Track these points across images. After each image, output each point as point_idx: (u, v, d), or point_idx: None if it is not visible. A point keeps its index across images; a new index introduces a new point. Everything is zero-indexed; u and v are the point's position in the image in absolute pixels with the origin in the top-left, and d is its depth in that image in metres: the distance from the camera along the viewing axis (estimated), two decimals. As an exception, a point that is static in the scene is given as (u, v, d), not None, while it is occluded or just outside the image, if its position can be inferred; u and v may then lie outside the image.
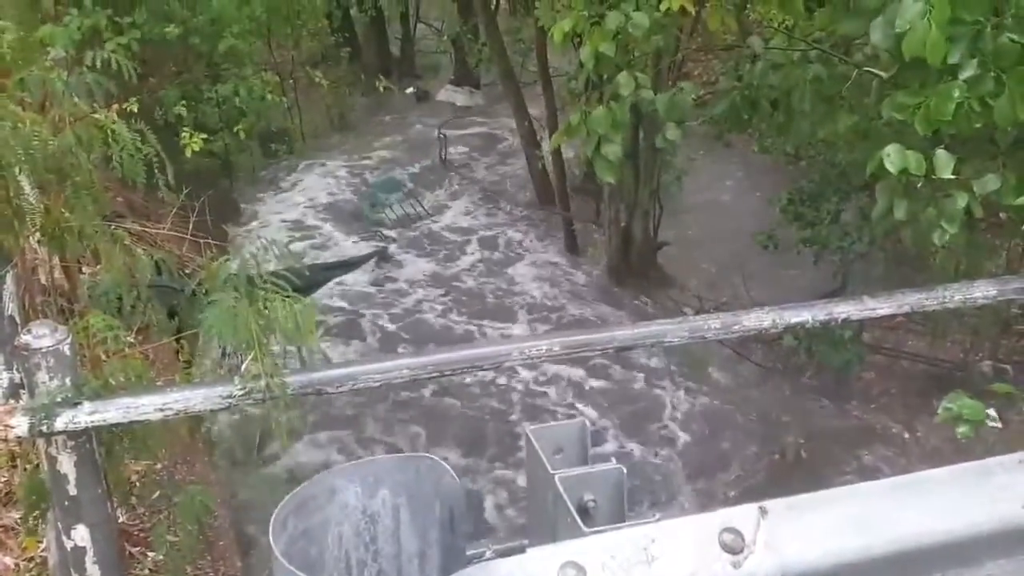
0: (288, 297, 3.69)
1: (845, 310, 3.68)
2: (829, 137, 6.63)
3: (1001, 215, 8.54)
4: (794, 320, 3.68)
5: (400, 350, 11.44)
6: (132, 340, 4.32)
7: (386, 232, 14.34)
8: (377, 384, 3.35)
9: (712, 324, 3.55)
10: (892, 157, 4.31)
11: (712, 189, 14.57)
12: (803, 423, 9.71)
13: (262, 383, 3.16)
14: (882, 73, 4.84)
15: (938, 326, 9.79)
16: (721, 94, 6.46)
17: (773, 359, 10.60)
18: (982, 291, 3.84)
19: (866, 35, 4.78)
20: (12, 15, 3.55)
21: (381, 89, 17.99)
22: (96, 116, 3.87)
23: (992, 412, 3.43)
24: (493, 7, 16.91)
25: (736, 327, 3.60)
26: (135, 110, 7.01)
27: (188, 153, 11.95)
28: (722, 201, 14.30)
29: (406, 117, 19.22)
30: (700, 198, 14.17)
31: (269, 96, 14.76)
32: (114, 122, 3.78)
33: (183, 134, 12.26)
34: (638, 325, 3.67)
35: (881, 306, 3.81)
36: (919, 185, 4.49)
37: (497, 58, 14.40)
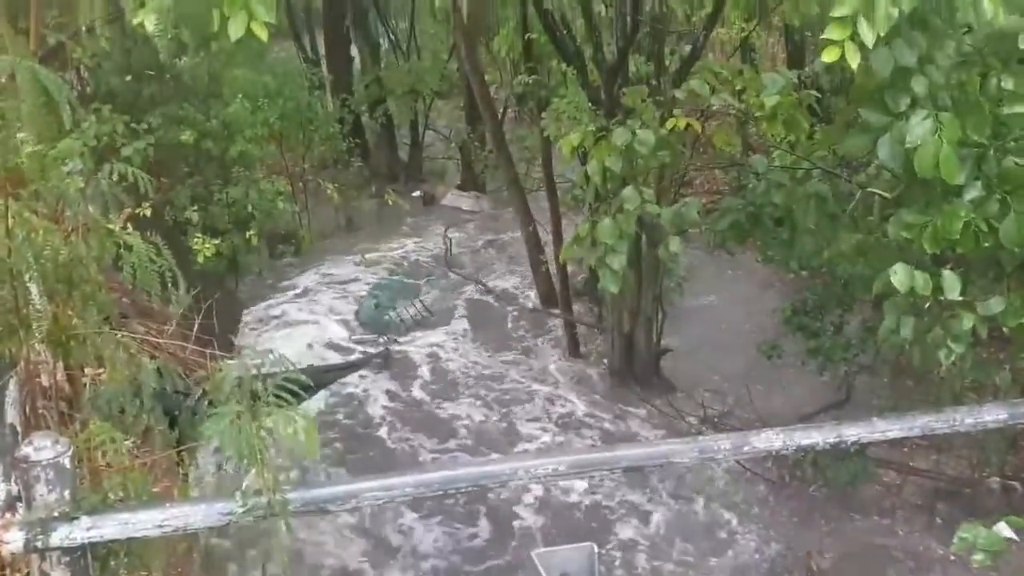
0: (291, 410, 3.64)
1: (855, 432, 3.65)
2: (832, 253, 6.67)
3: (1006, 329, 8.51)
4: (804, 442, 3.65)
5: (405, 446, 11.35)
6: (132, 447, 4.26)
7: (389, 334, 14.32)
8: (380, 502, 3.29)
9: (722, 445, 3.52)
10: (899, 276, 4.34)
11: (715, 296, 14.61)
12: (808, 539, 9.48)
13: (263, 500, 3.11)
14: (886, 194, 4.90)
15: (944, 441, 9.66)
16: (725, 210, 6.54)
17: (778, 471, 10.42)
18: (992, 415, 3.82)
19: (869, 153, 4.86)
20: (30, 126, 3.61)
21: (390, 202, 18.31)
22: (109, 226, 3.90)
23: (1010, 532, 3.35)
24: (500, 116, 17.30)
25: (746, 448, 3.57)
26: (148, 215, 7.12)
27: (200, 259, 12.07)
28: (725, 309, 14.31)
29: (413, 220, 19.46)
30: (703, 305, 14.20)
31: (280, 200, 15.00)
32: (128, 233, 3.81)
33: (194, 238, 12.40)
34: (646, 445, 3.64)
35: (891, 428, 3.79)
36: (926, 305, 4.50)
37: (503, 165, 14.65)
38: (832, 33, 3.63)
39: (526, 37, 13.37)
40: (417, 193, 20.90)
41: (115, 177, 3.98)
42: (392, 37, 23.24)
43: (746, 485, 10.36)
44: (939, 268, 4.50)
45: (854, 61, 3.63)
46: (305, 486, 3.21)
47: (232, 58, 15.83)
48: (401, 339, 14.20)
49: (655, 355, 12.64)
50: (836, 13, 3.60)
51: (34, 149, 3.76)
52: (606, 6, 11.15)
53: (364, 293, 15.76)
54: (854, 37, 3.61)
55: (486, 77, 16.19)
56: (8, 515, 3.14)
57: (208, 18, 3.57)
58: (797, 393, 11.83)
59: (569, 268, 13.66)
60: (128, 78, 13.42)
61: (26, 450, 3.04)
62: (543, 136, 12.47)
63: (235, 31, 3.45)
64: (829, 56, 3.64)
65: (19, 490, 3.19)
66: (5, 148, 3.75)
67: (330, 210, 18.42)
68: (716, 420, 11.32)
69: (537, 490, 10.13)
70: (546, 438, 11.55)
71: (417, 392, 12.74)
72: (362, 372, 12.91)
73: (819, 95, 6.70)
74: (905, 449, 10.33)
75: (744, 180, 7.60)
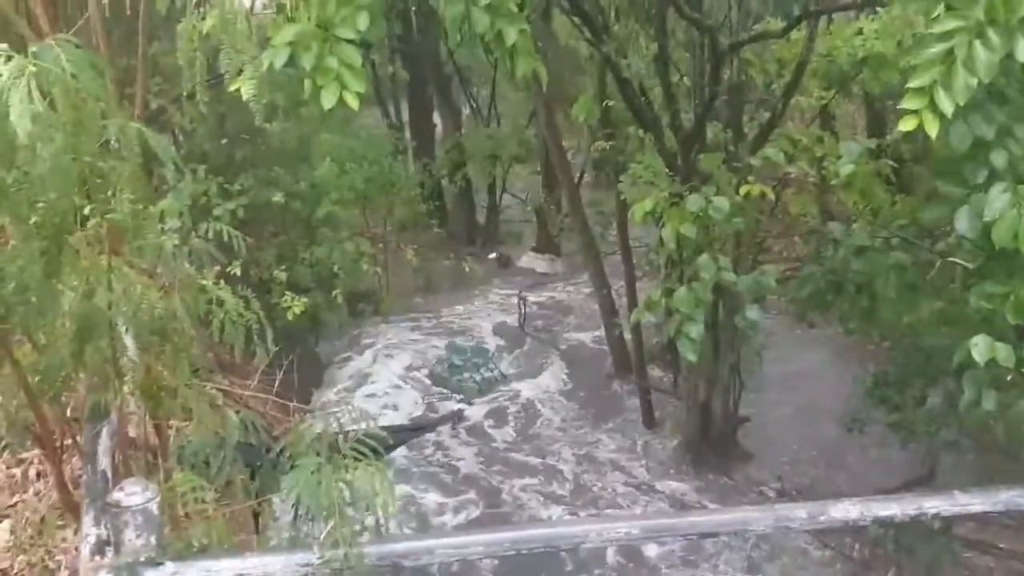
0: (369, 464, 3.71)
1: (935, 504, 3.56)
2: (913, 322, 6.55)
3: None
4: (882, 513, 3.58)
5: (475, 512, 11.33)
6: (214, 497, 4.37)
7: (461, 396, 14.40)
8: (453, 559, 3.33)
9: (798, 514, 3.47)
10: (980, 347, 4.25)
11: (794, 366, 14.35)
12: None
13: (340, 552, 3.17)
14: (967, 264, 4.83)
15: (1034, 521, 9.23)
16: (804, 278, 6.50)
17: (856, 547, 10.09)
18: (1083, 493, 3.69)
19: (950, 223, 4.80)
20: (131, 186, 3.81)
21: (467, 267, 18.56)
22: (203, 282, 4.08)
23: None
24: (577, 180, 17.48)
25: (823, 517, 3.51)
26: (237, 272, 7.37)
27: (289, 316, 12.35)
28: (805, 378, 14.05)
29: (488, 282, 19.68)
30: (782, 375, 13.95)
31: (362, 261, 15.36)
32: (220, 288, 3.97)
33: (283, 296, 12.71)
34: (721, 511, 3.61)
35: (973, 502, 3.68)
36: (1008, 377, 4.39)
37: (579, 228, 14.75)
38: (910, 103, 3.63)
39: (604, 104, 13.51)
40: (493, 255, 21.17)
41: (209, 235, 4.17)
42: (473, 104, 23.81)
43: (821, 564, 10.06)
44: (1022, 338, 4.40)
45: (933, 130, 3.61)
46: (380, 540, 3.27)
47: (321, 123, 16.37)
48: (473, 402, 14.27)
49: (732, 425, 12.44)
50: (914, 84, 3.61)
51: (135, 208, 3.94)
52: (681, 75, 11.25)
53: (439, 354, 15.93)
54: (933, 107, 3.60)
55: (564, 143, 16.43)
56: (98, 558, 3.26)
57: (301, 86, 3.76)
58: (879, 468, 11.49)
59: (644, 333, 13.61)
60: (223, 141, 13.98)
61: (117, 495, 3.17)
62: (619, 200, 12.56)
63: (327, 101, 3.61)
64: (906, 125, 3.63)
65: (108, 534, 3.32)
66: (108, 206, 3.93)
67: (409, 271, 18.75)
68: (795, 493, 11.05)
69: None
70: (616, 508, 11.42)
71: (486, 457, 12.74)
72: (432, 433, 12.99)
73: (898, 164, 6.66)
74: (994, 529, 9.90)
75: (823, 249, 7.53)
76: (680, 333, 5.76)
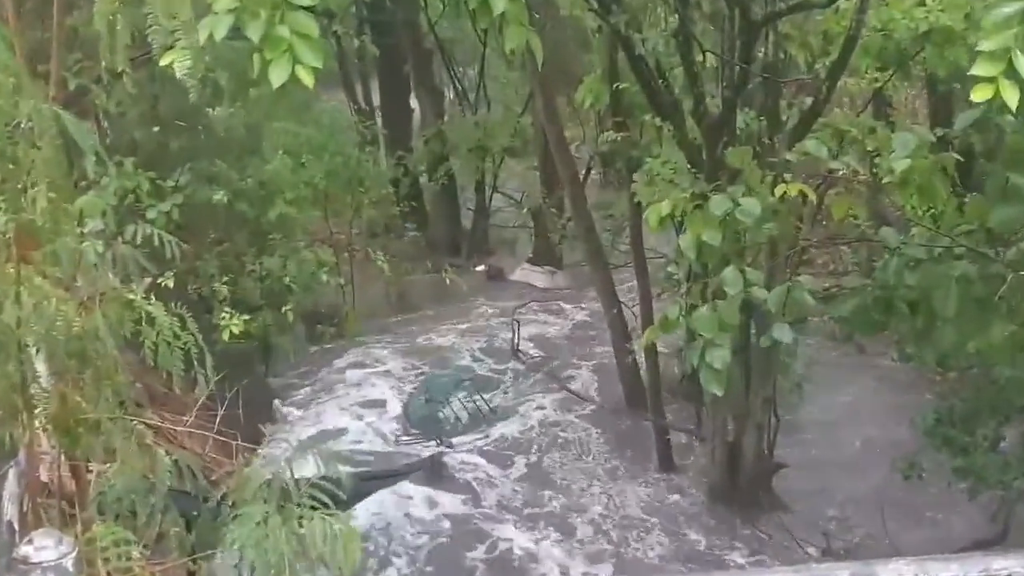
0: (328, 514, 3.74)
1: (1006, 566, 3.58)
2: (982, 348, 6.58)
3: None
4: (942, 575, 3.59)
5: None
6: (142, 554, 4.38)
7: (442, 436, 14.39)
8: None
9: (841, 575, 3.49)
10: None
11: (841, 400, 14.40)
12: None
13: (290, 619, 3.19)
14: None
15: None
16: (850, 292, 6.54)
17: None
18: None
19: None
20: (46, 178, 3.82)
21: (448, 279, 18.65)
22: (131, 296, 4.09)
23: None
24: (582, 178, 17.55)
25: (869, 580, 3.53)
26: (170, 285, 7.38)
27: (225, 336, 12.38)
28: (853, 414, 14.09)
29: (475, 299, 19.74)
30: (825, 410, 13.99)
31: (322, 273, 15.39)
32: (151, 304, 3.99)
33: (221, 314, 12.73)
34: (750, 571, 3.63)
35: (1052, 563, 3.70)
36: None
37: (584, 235, 14.83)
38: (982, 68, 3.54)
39: (614, 87, 13.59)
40: (482, 267, 21.27)
41: (138, 240, 4.19)
42: (458, 86, 23.94)
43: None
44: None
45: (1012, 99, 3.50)
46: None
47: (273, 108, 16.42)
48: (456, 443, 14.26)
49: (766, 470, 12.45)
50: (987, 46, 3.53)
51: (50, 206, 3.94)
52: (706, 52, 11.32)
53: (415, 386, 15.93)
54: (1012, 72, 3.50)
55: (566, 133, 16.53)
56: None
57: (247, 62, 3.77)
58: (941, 523, 11.53)
59: (662, 361, 13.65)
60: (155, 129, 14.01)
61: (26, 550, 3.18)
62: (632, 202, 12.62)
63: (277, 77, 3.63)
64: (980, 95, 3.52)
65: (14, 596, 3.32)
66: (16, 202, 3.92)
67: (380, 285, 18.79)
68: (841, 552, 11.07)
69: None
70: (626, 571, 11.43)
71: (470, 509, 12.73)
72: (406, 481, 12.97)
73: (965, 159, 6.68)
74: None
75: (876, 259, 7.59)
76: (702, 360, 5.79)
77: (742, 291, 5.81)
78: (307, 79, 3.64)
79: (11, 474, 4.08)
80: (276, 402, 14.94)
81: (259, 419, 14.00)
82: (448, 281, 18.93)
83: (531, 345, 17.45)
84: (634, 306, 14.43)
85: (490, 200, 22.81)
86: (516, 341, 17.27)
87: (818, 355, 13.61)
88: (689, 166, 10.94)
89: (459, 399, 15.34)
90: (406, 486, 12.69)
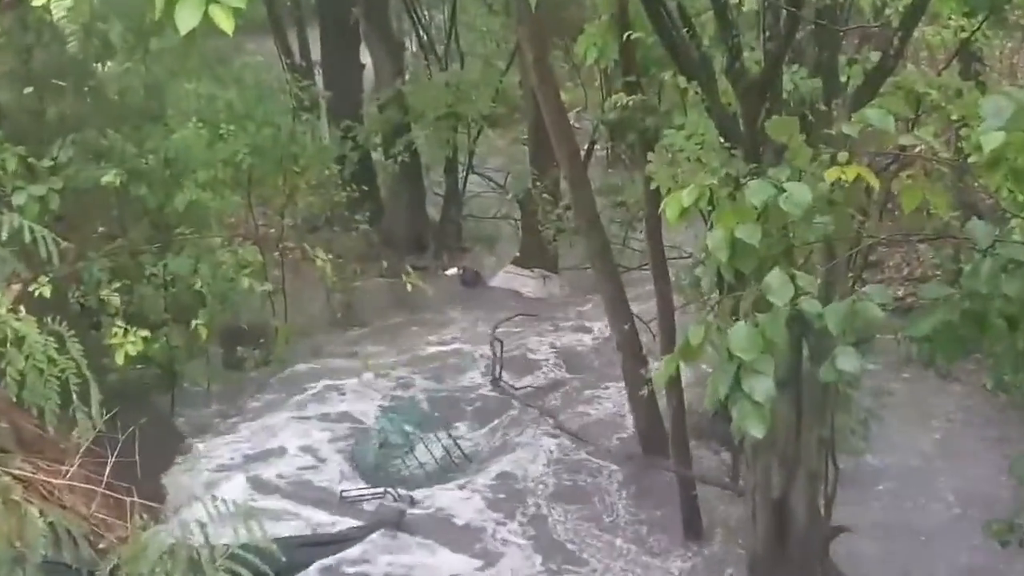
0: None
1: None
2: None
3: None
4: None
5: None
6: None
7: (401, 489, 14.38)
8: None
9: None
10: None
11: (919, 442, 14.45)
12: None
13: None
14: None
15: None
16: (930, 304, 6.54)
17: None
18: None
19: None
20: None
21: (410, 284, 18.60)
22: (-8, 309, 4.08)
23: None
24: (584, 155, 17.58)
25: None
26: (46, 294, 7.33)
27: (119, 359, 12.32)
28: (934, 462, 14.14)
29: (444, 312, 19.81)
30: (900, 455, 14.04)
31: (244, 277, 15.32)
32: (19, 319, 3.98)
33: (113, 331, 12.67)
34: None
35: None
36: None
37: (586, 229, 14.83)
38: None
39: (625, 37, 13.59)
40: (454, 270, 21.37)
41: (3, 235, 4.17)
42: (423, 36, 23.92)
43: None
44: None
45: None
46: None
47: (180, 64, 16.38)
48: (419, 498, 14.26)
49: (822, 536, 12.47)
50: None
51: None
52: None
53: (366, 424, 15.92)
54: None
55: (563, 96, 16.53)
56: None
57: (146, 4, 3.73)
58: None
59: (687, 392, 13.66)
60: (27, 90, 13.94)
61: None
62: (648, 187, 12.64)
63: (186, 22, 3.58)
64: None
65: None
66: None
67: (320, 294, 18.83)
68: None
69: None
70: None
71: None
72: (357, 546, 12.96)
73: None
74: None
75: (963, 261, 7.62)
76: (739, 392, 5.79)
77: (791, 302, 5.82)
78: (225, 24, 3.61)
79: None
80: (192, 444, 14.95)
81: (161, 468, 14.05)
82: (409, 288, 18.92)
83: (517, 372, 17.47)
84: (651, 321, 14.49)
85: (464, 183, 22.86)
86: (498, 367, 17.27)
87: (889, 383, 13.63)
88: (721, 140, 10.97)
89: (423, 442, 15.33)
90: (355, 553, 12.68)
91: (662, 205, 6.47)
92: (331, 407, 16.49)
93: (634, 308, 14.72)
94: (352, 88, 22.38)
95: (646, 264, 14.74)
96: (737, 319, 5.96)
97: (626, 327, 14.47)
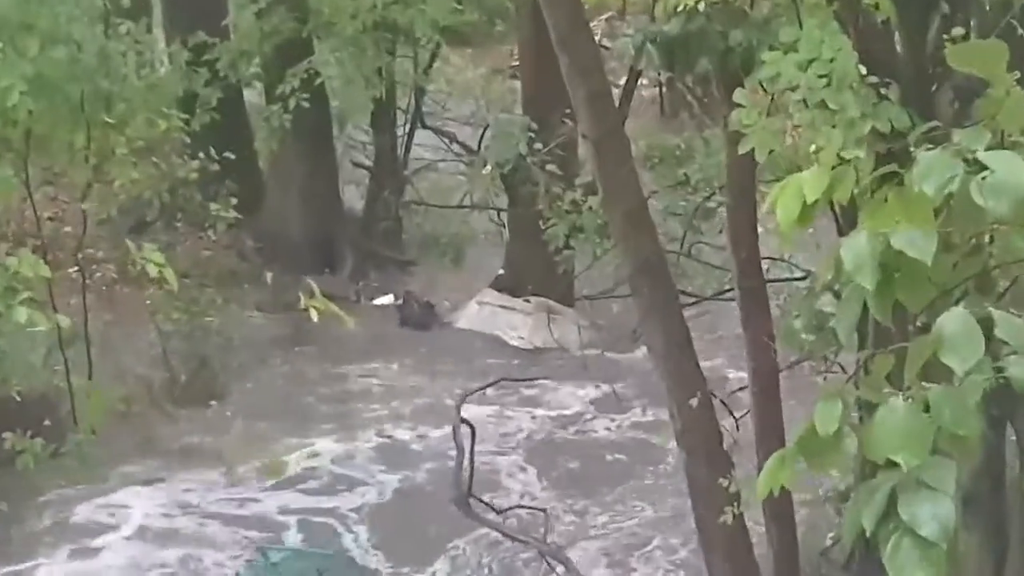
0: None
1: None
2: None
3: None
4: None
5: None
6: None
7: None
8: None
9: None
10: None
11: None
12: None
13: None
14: None
15: None
16: None
17: None
18: None
19: None
20: None
21: (315, 313, 18.51)
22: None
23: None
24: (619, 98, 17.61)
25: None
26: None
27: None
28: None
29: (370, 372, 19.89)
30: None
31: (18, 306, 15.32)
32: None
33: None
34: None
35: None
36: None
37: (623, 227, 14.76)
38: None
39: None
40: (388, 299, 21.51)
41: None
42: None
43: None
44: None
45: None
46: None
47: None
48: None
49: None
50: None
51: None
52: None
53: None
54: None
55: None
56: None
57: None
58: None
59: (802, 523, 13.73)
60: None
61: None
62: (733, 152, 12.66)
63: None
64: None
65: None
66: None
67: (151, 336, 18.79)
68: None
69: None
70: None
71: None
72: None
73: None
74: None
75: None
76: (894, 523, 5.77)
77: (985, 365, 5.80)
78: None
79: None
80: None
81: None
82: (316, 315, 18.87)
83: (499, 483, 17.52)
84: (736, 392, 14.49)
85: (407, 146, 22.97)
86: (467, 474, 17.27)
87: None
88: (863, 71, 11.00)
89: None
90: None
91: (769, 198, 6.40)
92: (173, 540, 16.51)
93: (706, 366, 14.73)
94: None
95: (728, 290, 14.74)
96: (893, 393, 5.94)
97: (693, 401, 14.44)
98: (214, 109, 20.82)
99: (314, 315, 15.62)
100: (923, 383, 5.90)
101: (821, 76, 11.51)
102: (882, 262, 5.79)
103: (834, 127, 9.20)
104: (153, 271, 15.02)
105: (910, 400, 5.77)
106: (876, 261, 5.76)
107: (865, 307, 6.04)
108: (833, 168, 6.02)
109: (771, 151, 10.67)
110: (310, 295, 15.25)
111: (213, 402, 19.10)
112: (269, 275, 20.12)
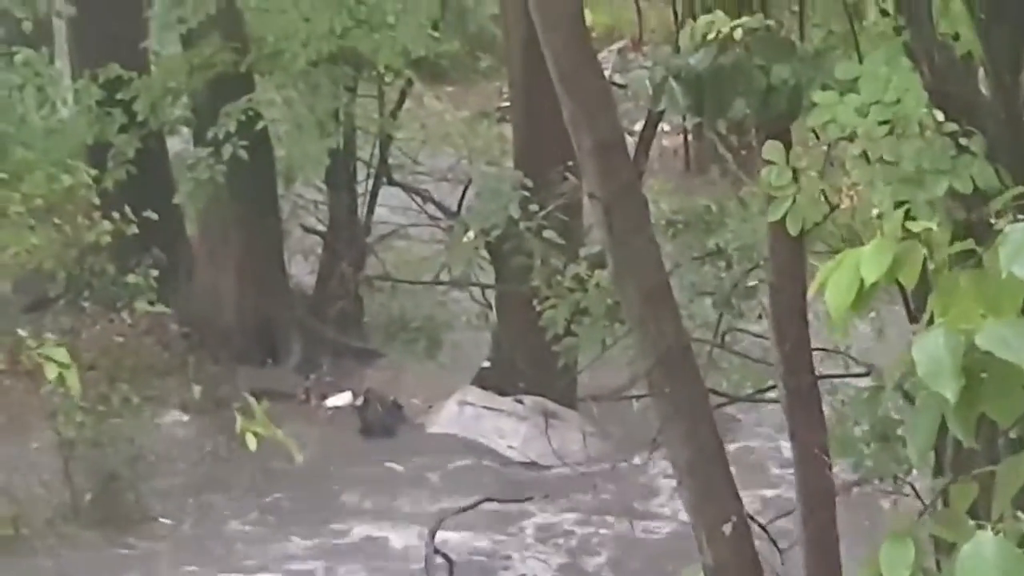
0: None
1: None
2: None
3: None
4: None
5: None
6: None
7: None
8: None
9: None
10: None
11: None
12: None
13: None
14: None
15: None
16: None
17: None
18: None
19: None
20: None
21: (245, 430, 18.48)
22: None
23: None
24: (635, 146, 17.60)
25: None
26: None
27: None
28: None
29: (321, 493, 19.79)
30: None
31: None
32: None
33: None
34: None
35: None
36: None
37: (640, 309, 14.74)
38: None
39: None
40: (344, 397, 21.38)
41: None
42: None
43: None
44: None
45: None
46: None
47: None
48: None
49: None
50: None
51: None
52: None
53: None
54: None
55: (589, 17, 16.55)
56: None
57: None
58: None
59: None
60: None
61: None
62: (775, 217, 12.63)
63: None
64: None
65: None
66: None
67: (49, 445, 18.73)
68: None
69: None
70: None
71: None
72: None
73: None
74: None
75: None
76: None
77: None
78: None
79: None
80: None
81: None
82: (252, 446, 18.86)
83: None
84: (779, 518, 14.41)
85: (371, 206, 22.97)
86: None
87: None
88: (937, 116, 10.99)
89: None
90: None
91: (819, 277, 6.31)
92: None
93: (743, 486, 14.68)
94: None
95: (770, 387, 14.70)
96: (980, 526, 5.86)
97: (726, 528, 14.39)
98: (131, 161, 20.79)
99: (251, 443, 15.06)
100: (1018, 513, 5.82)
101: (883, 123, 11.47)
102: (965, 365, 5.68)
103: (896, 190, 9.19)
104: (52, 372, 14.77)
105: (1001, 535, 5.67)
106: (958, 364, 5.63)
107: (944, 423, 5.95)
108: (900, 240, 5.94)
109: (815, 224, 10.62)
110: (247, 412, 14.47)
111: (130, 534, 19.04)
112: (193, 381, 20.13)
